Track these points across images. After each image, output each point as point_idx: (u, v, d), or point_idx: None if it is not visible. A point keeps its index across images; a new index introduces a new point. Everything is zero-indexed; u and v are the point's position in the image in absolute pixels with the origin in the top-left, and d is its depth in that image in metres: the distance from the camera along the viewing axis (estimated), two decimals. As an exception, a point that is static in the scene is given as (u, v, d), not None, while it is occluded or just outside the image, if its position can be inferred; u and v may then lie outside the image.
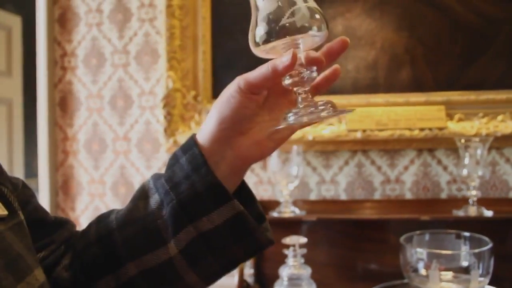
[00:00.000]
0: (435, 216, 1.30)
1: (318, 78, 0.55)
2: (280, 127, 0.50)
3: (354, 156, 1.54)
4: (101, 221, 0.60)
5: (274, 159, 1.40)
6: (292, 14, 0.49)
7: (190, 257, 0.54)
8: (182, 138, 1.57)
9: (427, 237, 1.18)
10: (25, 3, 2.56)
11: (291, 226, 1.37)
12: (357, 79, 1.52)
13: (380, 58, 1.52)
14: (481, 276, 1.06)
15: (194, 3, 1.61)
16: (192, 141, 0.55)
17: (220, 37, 1.59)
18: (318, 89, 0.56)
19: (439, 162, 1.50)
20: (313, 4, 0.51)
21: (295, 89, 0.51)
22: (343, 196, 1.54)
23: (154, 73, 1.66)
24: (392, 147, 1.50)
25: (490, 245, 1.07)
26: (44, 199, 1.73)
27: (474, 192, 1.33)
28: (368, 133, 1.47)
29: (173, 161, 0.56)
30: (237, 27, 1.57)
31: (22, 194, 0.59)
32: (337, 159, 1.55)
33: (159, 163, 1.67)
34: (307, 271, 1.18)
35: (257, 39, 0.51)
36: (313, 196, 1.56)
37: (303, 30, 0.49)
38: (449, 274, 1.10)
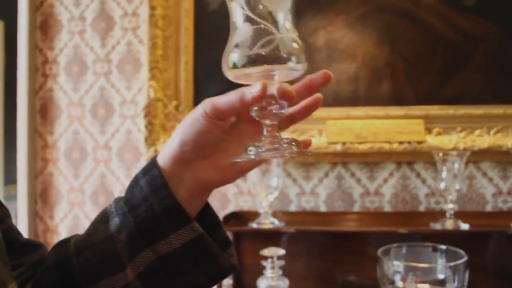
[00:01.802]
0: (412, 229, 1.31)
1: (298, 107, 0.53)
2: (239, 160, 0.48)
3: (334, 168, 1.55)
4: (61, 245, 0.58)
5: (254, 170, 1.40)
6: (271, 43, 0.46)
7: (148, 282, 0.52)
8: (163, 147, 1.56)
9: (404, 249, 1.19)
10: (8, 8, 2.54)
11: (270, 237, 1.37)
12: (338, 92, 1.54)
13: (361, 71, 1.54)
14: (455, 288, 1.07)
15: (177, 13, 1.61)
16: (153, 162, 0.53)
17: (202, 47, 1.60)
18: (294, 119, 0.54)
19: (418, 175, 1.52)
20: (295, 35, 0.49)
21: (262, 121, 0.49)
22: (323, 208, 1.55)
23: (136, 82, 1.65)
24: (371, 160, 1.51)
25: (465, 258, 1.08)
26: (22, 207, 1.70)
27: (451, 206, 1.34)
28: (348, 146, 1.48)
29: (133, 183, 0.54)
30: (220, 39, 1.57)
31: None
32: (317, 171, 1.55)
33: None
34: (285, 282, 1.18)
35: (231, 63, 0.48)
36: (293, 208, 1.56)
37: (280, 61, 0.46)
38: (425, 287, 1.10)
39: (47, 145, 1.72)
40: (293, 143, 0.48)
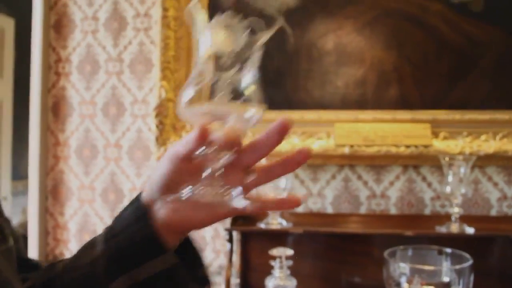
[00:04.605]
0: (418, 231, 1.33)
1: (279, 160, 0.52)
2: (169, 199, 0.49)
3: (341, 170, 1.57)
4: (54, 264, 0.61)
5: (263, 171, 1.43)
6: (229, 88, 0.46)
7: None
8: (173, 147, 1.59)
9: (410, 252, 1.21)
10: (20, 6, 2.57)
11: (278, 237, 1.40)
12: (346, 95, 1.56)
13: (369, 75, 1.56)
14: (460, 291, 1.09)
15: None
16: (139, 193, 0.56)
17: (214, 49, 1.62)
18: (272, 173, 0.54)
19: (424, 178, 1.54)
20: (254, 84, 0.48)
21: (206, 163, 0.48)
22: (330, 210, 1.57)
23: (147, 82, 1.68)
24: (378, 163, 1.54)
25: (470, 262, 1.11)
26: (33, 203, 1.73)
27: (456, 209, 1.37)
28: (355, 149, 1.50)
29: (121, 211, 0.57)
30: (231, 40, 1.60)
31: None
32: (324, 173, 1.58)
33: (149, 171, 1.68)
34: (292, 282, 1.21)
35: (183, 101, 0.47)
36: (300, 209, 1.59)
37: (233, 108, 0.46)
38: (430, 289, 1.13)
39: (58, 143, 1.75)
40: (227, 196, 0.47)
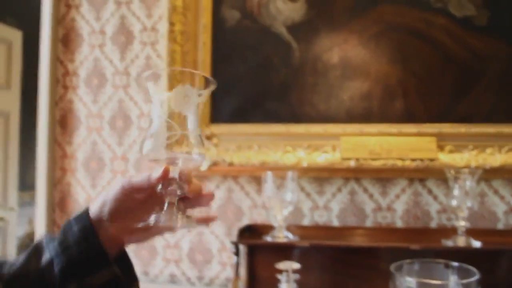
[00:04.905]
0: (424, 245, 1.33)
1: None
2: (139, 225, 0.60)
3: (347, 183, 1.58)
4: None
5: (269, 184, 1.44)
6: (176, 137, 0.58)
7: None
8: (179, 160, 1.60)
9: (416, 266, 1.21)
10: (27, 19, 2.60)
11: (284, 250, 1.40)
12: (352, 109, 1.57)
13: (374, 88, 1.57)
14: (467, 306, 1.09)
15: (195, 29, 1.65)
16: (85, 214, 0.65)
17: (219, 63, 1.64)
18: (197, 202, 0.66)
19: (430, 191, 1.55)
20: (197, 132, 0.60)
21: (165, 197, 0.60)
22: (336, 222, 1.58)
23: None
24: (384, 176, 1.54)
25: (477, 276, 1.10)
26: (40, 215, 1.74)
27: (463, 223, 1.36)
28: (361, 162, 1.51)
29: (67, 227, 0.65)
30: (236, 54, 1.62)
31: None
32: (330, 186, 1.58)
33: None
34: (299, 296, 1.21)
35: (144, 149, 0.59)
36: (306, 222, 1.59)
37: (183, 151, 0.58)
38: (437, 303, 1.12)
39: (65, 155, 1.76)
40: (186, 218, 0.60)
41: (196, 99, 0.62)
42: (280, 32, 1.60)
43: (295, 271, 1.21)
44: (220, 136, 1.63)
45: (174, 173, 0.59)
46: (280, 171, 1.45)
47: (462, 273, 1.16)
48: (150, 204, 0.65)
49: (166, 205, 0.59)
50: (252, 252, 1.41)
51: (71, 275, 0.62)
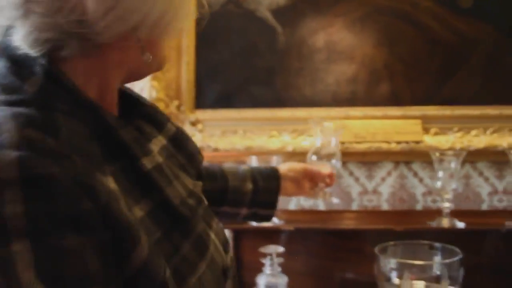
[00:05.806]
0: (409, 227, 1.33)
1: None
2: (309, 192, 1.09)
3: (332, 167, 1.58)
4: (216, 176, 0.98)
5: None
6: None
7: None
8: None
9: (401, 247, 1.22)
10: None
11: (270, 235, 1.40)
12: (337, 92, 1.57)
13: (360, 72, 1.56)
14: (450, 285, 1.10)
15: (179, 14, 1.63)
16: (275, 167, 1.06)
17: (203, 48, 1.62)
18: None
19: (415, 174, 1.55)
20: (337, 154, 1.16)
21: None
22: (321, 206, 1.58)
23: (137, 82, 1.66)
24: (369, 159, 1.54)
25: (459, 256, 1.11)
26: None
27: (447, 204, 1.37)
28: (346, 145, 1.50)
29: (263, 168, 1.05)
30: (221, 39, 1.60)
31: None
32: (316, 170, 1.58)
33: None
34: (283, 280, 1.21)
35: (311, 156, 1.19)
36: (292, 206, 1.59)
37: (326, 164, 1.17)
38: (421, 283, 1.13)
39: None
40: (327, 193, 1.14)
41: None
42: (265, 17, 1.59)
43: (279, 255, 1.21)
44: (204, 121, 1.62)
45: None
46: (265, 155, 1.44)
47: (446, 254, 1.17)
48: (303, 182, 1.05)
49: (320, 185, 1.08)
50: (238, 237, 1.41)
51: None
